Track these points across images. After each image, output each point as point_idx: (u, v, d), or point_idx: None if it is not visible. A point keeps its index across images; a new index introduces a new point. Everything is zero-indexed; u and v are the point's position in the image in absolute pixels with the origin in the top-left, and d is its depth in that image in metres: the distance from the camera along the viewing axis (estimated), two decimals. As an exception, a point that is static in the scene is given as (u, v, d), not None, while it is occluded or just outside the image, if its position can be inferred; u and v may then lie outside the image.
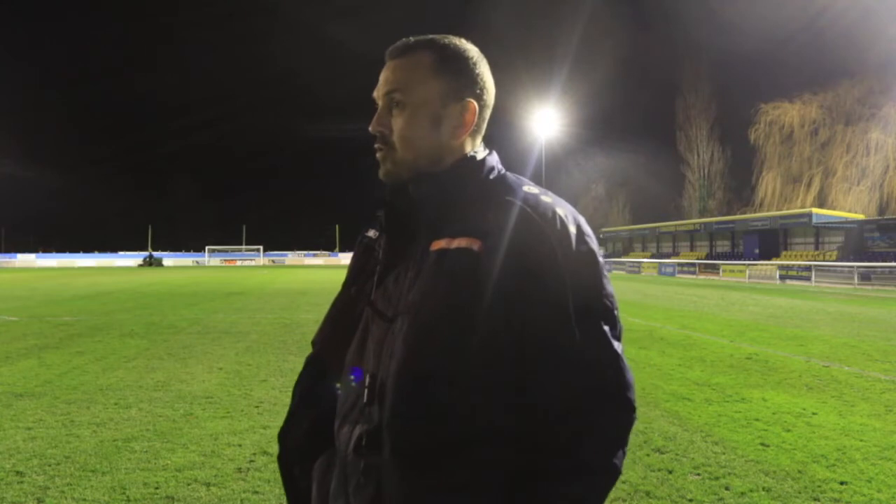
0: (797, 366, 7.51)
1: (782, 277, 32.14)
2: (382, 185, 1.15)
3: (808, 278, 30.32)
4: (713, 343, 9.41)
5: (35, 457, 4.07)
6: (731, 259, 40.55)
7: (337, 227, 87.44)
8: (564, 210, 1.07)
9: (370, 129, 1.13)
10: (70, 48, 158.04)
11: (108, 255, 77.64)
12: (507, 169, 1.17)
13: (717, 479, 3.76)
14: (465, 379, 0.98)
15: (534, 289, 1.00)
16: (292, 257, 79.06)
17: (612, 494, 3.49)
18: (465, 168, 1.12)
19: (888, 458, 4.16)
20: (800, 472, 3.88)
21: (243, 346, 8.81)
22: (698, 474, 3.84)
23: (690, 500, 3.45)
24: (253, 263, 74.34)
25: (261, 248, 79.62)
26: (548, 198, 1.08)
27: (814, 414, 5.26)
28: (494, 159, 1.16)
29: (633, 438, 4.47)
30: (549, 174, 49.44)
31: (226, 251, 79.94)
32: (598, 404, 1.01)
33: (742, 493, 3.54)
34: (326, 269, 52.98)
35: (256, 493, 3.51)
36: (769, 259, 37.00)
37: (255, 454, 4.15)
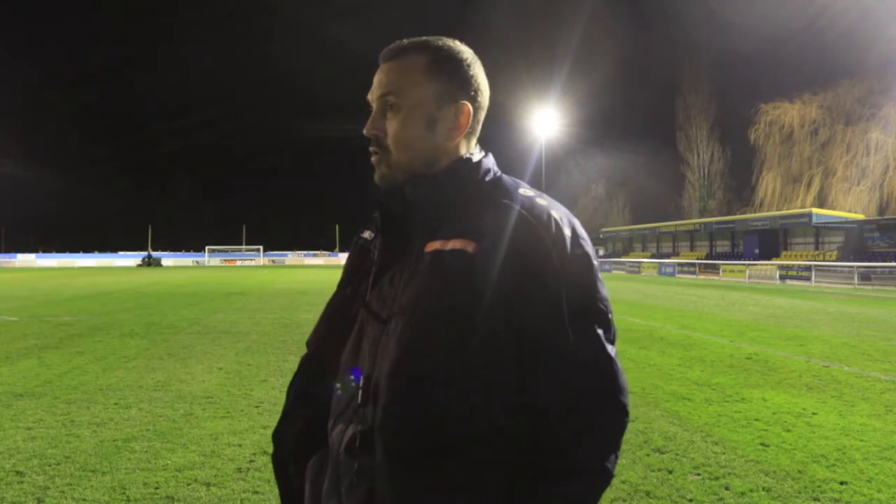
0: (797, 366, 7.51)
1: (782, 277, 32.14)
2: (378, 187, 1.15)
3: (808, 278, 30.32)
4: (713, 343, 9.41)
5: (35, 457, 4.07)
6: (731, 259, 40.54)
7: (337, 227, 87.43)
8: (559, 213, 1.07)
9: (364, 132, 1.12)
10: (70, 48, 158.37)
11: (108, 255, 77.65)
12: (507, 169, 1.17)
13: (717, 479, 3.76)
14: (463, 379, 0.98)
15: (534, 289, 1.00)
16: (292, 257, 79.04)
17: (612, 494, 3.50)
18: (460, 170, 1.12)
19: (888, 458, 4.16)
20: (800, 472, 3.89)
21: (243, 346, 8.81)
22: (698, 474, 3.84)
23: (690, 500, 3.45)
24: (253, 263, 74.34)
25: (261, 248, 79.67)
26: (543, 201, 1.08)
27: (814, 414, 5.26)
28: (490, 161, 1.16)
29: (633, 438, 4.47)
30: (549, 174, 49.44)
31: (226, 251, 79.93)
32: (597, 404, 1.01)
33: (742, 493, 3.54)
34: (326, 269, 52.96)
35: (256, 493, 3.51)
36: (769, 259, 36.99)
37: (255, 454, 4.15)
